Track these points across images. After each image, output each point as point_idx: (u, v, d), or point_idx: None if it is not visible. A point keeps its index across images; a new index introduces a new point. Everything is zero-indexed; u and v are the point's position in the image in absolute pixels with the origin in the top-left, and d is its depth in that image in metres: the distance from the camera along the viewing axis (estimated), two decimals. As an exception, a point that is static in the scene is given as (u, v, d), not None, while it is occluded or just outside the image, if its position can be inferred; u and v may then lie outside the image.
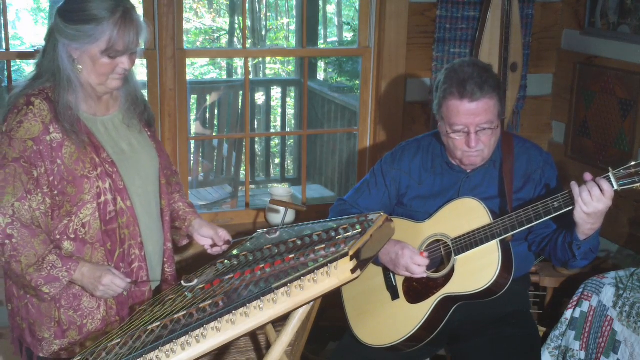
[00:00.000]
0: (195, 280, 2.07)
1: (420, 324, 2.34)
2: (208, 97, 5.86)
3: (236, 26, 9.38)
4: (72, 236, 2.10)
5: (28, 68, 8.73)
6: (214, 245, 2.37)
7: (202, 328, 1.71)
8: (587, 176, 2.13)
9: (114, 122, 2.21)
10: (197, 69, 9.77)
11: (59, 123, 2.05)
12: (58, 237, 2.09)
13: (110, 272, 2.07)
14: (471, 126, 2.29)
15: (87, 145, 2.09)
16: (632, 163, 2.11)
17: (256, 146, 6.79)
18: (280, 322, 1.83)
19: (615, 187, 2.10)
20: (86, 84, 2.11)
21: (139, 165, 2.23)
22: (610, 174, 2.12)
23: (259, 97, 7.48)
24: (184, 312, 1.80)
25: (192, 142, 5.42)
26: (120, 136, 2.21)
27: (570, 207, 2.15)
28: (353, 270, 1.75)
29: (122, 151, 2.19)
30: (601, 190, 2.09)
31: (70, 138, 2.06)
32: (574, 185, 2.13)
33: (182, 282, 2.07)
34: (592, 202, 2.10)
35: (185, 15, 3.83)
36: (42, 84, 2.09)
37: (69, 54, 2.07)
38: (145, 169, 2.25)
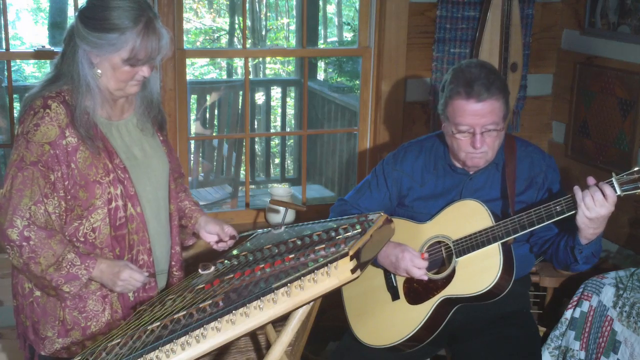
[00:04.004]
0: (213, 268, 2.08)
1: (421, 325, 2.34)
2: (208, 97, 5.86)
3: (236, 26, 9.38)
4: (82, 239, 2.10)
5: (28, 68, 8.73)
6: (219, 241, 2.38)
7: (202, 328, 1.71)
8: (591, 180, 2.12)
9: (128, 126, 2.21)
10: (197, 69, 9.76)
11: (74, 127, 2.04)
12: (67, 239, 2.09)
13: (128, 267, 2.08)
14: (477, 127, 2.28)
15: (101, 151, 2.09)
16: (636, 168, 2.09)
17: (256, 146, 6.78)
18: (280, 322, 1.83)
19: (619, 192, 2.10)
20: (104, 88, 2.10)
21: (150, 171, 2.22)
22: (613, 179, 2.11)
23: (259, 97, 7.47)
24: (184, 312, 1.80)
25: (192, 142, 5.42)
26: (133, 141, 2.21)
27: (573, 212, 2.15)
28: (353, 270, 1.75)
29: (135, 157, 2.19)
30: (604, 195, 2.08)
31: (85, 143, 2.06)
32: (576, 189, 2.12)
33: (200, 270, 2.08)
34: (594, 207, 2.09)
35: (185, 15, 3.82)
36: (60, 87, 2.08)
37: (89, 60, 2.05)
38: (156, 174, 2.25)
